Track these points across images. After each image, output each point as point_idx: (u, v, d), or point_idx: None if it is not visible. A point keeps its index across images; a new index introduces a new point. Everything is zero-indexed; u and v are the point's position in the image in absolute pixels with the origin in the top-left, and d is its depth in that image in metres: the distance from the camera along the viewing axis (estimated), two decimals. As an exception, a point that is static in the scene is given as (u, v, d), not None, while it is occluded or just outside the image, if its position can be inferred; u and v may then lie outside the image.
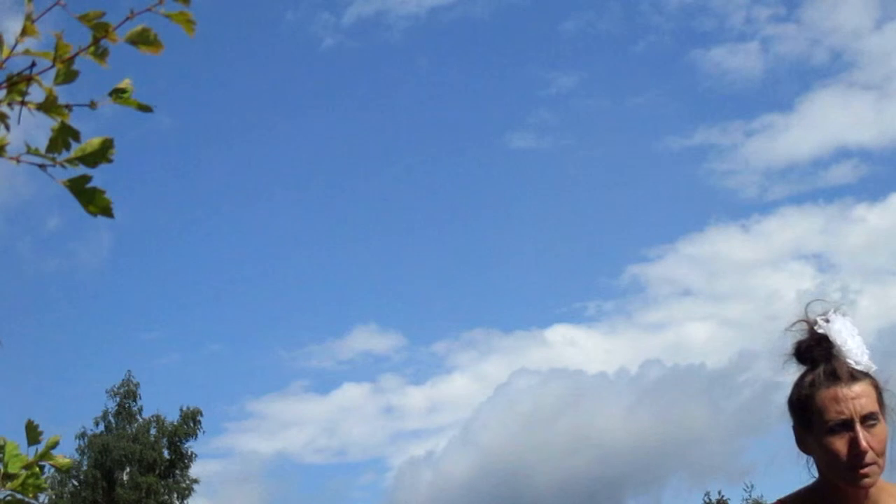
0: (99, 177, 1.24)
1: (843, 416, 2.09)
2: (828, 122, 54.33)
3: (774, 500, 2.25)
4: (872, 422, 2.09)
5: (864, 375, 2.13)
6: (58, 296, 49.94)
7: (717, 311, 53.82)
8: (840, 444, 2.10)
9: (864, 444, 2.07)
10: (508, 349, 52.21)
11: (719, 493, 30.50)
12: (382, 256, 55.70)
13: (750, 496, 29.59)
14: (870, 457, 2.08)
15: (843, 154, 56.99)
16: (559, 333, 52.03)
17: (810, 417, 2.15)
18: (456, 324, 58.01)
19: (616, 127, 55.89)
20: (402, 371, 56.34)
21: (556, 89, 54.24)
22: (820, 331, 2.17)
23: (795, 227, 52.50)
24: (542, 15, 55.46)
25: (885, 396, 2.17)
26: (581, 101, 53.63)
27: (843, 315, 2.19)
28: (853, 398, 2.10)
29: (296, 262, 54.03)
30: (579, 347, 49.66)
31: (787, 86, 55.16)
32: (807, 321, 2.21)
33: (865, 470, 2.08)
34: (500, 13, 54.99)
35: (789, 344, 2.22)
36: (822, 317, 2.18)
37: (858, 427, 2.08)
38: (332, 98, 56.31)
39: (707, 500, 30.32)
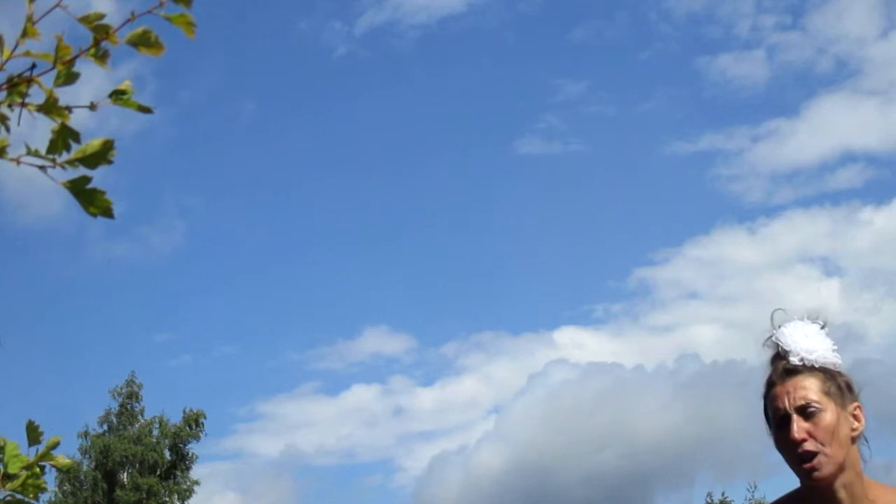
0: (99, 179, 1.25)
1: (779, 412, 2.10)
2: (833, 126, 54.01)
3: (772, 501, 2.25)
4: (812, 410, 2.07)
5: (807, 369, 2.11)
6: (67, 296, 50.02)
7: (724, 313, 53.65)
8: (782, 440, 2.09)
9: (794, 434, 2.05)
10: (517, 351, 52.19)
11: (722, 493, 30.44)
12: (393, 259, 55.67)
13: (752, 496, 29.51)
14: (809, 445, 2.04)
15: (848, 158, 56.78)
16: (567, 335, 51.92)
17: (769, 423, 2.16)
18: (465, 326, 57.89)
19: (623, 132, 55.77)
20: (412, 373, 56.29)
21: (565, 96, 53.98)
22: (773, 339, 2.18)
23: (802, 230, 52.30)
24: (552, 24, 55.36)
25: (841, 385, 2.12)
26: (589, 108, 53.34)
27: (813, 322, 2.18)
28: (787, 392, 2.09)
29: (306, 265, 53.92)
30: (587, 349, 49.57)
31: (793, 92, 54.93)
32: (773, 331, 2.21)
33: (810, 463, 2.04)
34: (510, 22, 55.00)
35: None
36: (781, 325, 2.19)
37: (794, 418, 2.06)
38: (343, 105, 56.29)
39: (709, 501, 30.28)
